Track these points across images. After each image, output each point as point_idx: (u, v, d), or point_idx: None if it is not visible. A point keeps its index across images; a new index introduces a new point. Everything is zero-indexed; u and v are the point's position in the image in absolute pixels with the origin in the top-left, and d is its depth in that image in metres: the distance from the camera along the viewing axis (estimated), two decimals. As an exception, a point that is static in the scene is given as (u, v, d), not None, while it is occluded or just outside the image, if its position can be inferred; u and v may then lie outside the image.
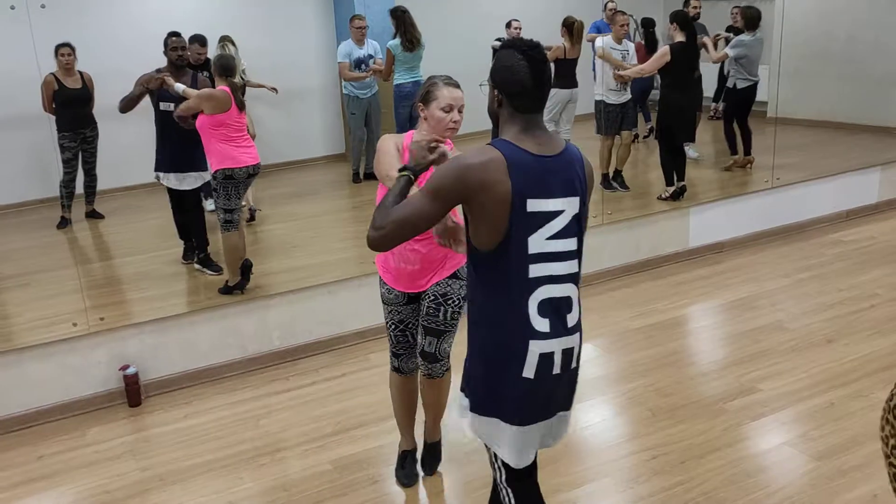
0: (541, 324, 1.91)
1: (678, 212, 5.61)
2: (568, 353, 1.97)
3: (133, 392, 3.82)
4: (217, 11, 7.19)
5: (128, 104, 4.78)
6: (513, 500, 2.09)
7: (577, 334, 2.00)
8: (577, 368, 2.05)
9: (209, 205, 5.79)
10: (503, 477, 2.09)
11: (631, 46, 6.25)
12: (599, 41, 6.28)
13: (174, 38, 4.73)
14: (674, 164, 5.91)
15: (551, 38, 6.82)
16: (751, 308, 4.65)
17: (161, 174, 4.98)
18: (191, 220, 5.06)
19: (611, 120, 6.21)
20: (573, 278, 1.98)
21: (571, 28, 6.26)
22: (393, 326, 2.94)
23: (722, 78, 7.81)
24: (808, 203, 6.02)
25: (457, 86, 2.64)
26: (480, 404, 2.01)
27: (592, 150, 6.50)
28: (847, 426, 3.33)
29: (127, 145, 6.46)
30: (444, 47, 6.66)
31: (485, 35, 7.28)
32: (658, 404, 3.62)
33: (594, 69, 7.55)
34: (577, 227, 1.97)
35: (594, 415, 3.57)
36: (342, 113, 7.41)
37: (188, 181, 4.96)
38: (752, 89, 6.63)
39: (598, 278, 5.17)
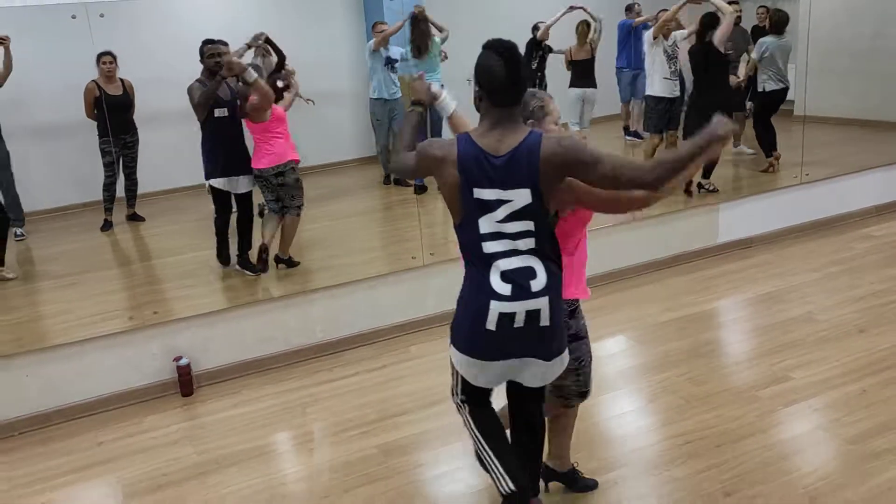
0: (503, 288, 2.24)
1: (707, 208, 5.69)
2: (533, 314, 2.27)
3: (186, 382, 4.00)
4: (251, 20, 7.40)
5: (206, 101, 4.70)
6: (468, 413, 2.52)
7: (545, 297, 2.26)
8: (550, 327, 2.30)
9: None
10: (458, 399, 2.53)
11: (680, 35, 6.20)
12: (648, 35, 6.32)
13: (209, 46, 4.77)
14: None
15: (573, 40, 7.01)
16: (780, 301, 4.73)
17: (218, 180, 4.91)
18: (247, 222, 5.10)
19: (658, 116, 6.24)
20: (534, 252, 2.26)
21: (576, 31, 6.73)
22: None
23: (751, 78, 7.86)
24: (837, 198, 6.07)
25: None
26: (454, 340, 2.40)
27: (616, 149, 6.61)
28: (879, 412, 3.41)
29: (166, 149, 6.68)
30: (471, 50, 6.81)
31: (512, 38, 7.42)
32: (691, 392, 3.71)
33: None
34: (528, 214, 2.22)
35: (627, 403, 3.68)
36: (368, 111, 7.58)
37: (244, 183, 5.00)
38: (782, 93, 6.63)
39: (628, 274, 5.27)
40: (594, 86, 7.08)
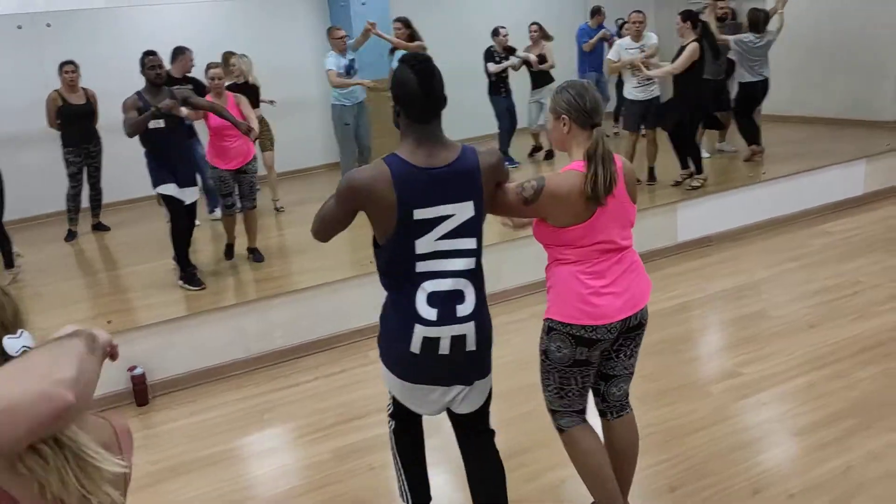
0: (428, 312, 2.16)
1: (666, 207, 5.76)
2: (459, 339, 2.20)
3: (140, 391, 3.98)
4: (216, 28, 7.40)
5: (136, 128, 4.72)
6: (393, 429, 2.51)
7: (471, 322, 2.20)
8: (478, 351, 2.25)
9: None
10: (390, 410, 2.50)
11: (652, 38, 6.25)
12: (616, 46, 6.41)
13: (151, 57, 4.75)
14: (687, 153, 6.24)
15: (566, 46, 7.16)
16: (737, 298, 4.80)
17: (168, 187, 4.92)
18: (190, 232, 5.13)
19: (633, 116, 6.40)
20: (467, 274, 2.19)
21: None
22: (580, 388, 2.48)
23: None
24: (795, 196, 6.17)
25: None
26: (382, 356, 2.34)
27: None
28: (825, 404, 3.47)
29: (131, 159, 6.63)
30: (441, 55, 6.84)
31: (473, 42, 7.49)
32: (644, 389, 3.75)
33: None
34: (470, 228, 2.17)
35: (584, 401, 3.71)
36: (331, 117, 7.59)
37: (191, 194, 5.04)
38: (757, 85, 6.73)
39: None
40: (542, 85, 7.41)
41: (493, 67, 7.33)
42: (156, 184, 4.95)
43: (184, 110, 4.85)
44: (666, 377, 3.85)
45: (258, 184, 5.85)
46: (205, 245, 5.98)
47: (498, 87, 7.42)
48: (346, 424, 3.65)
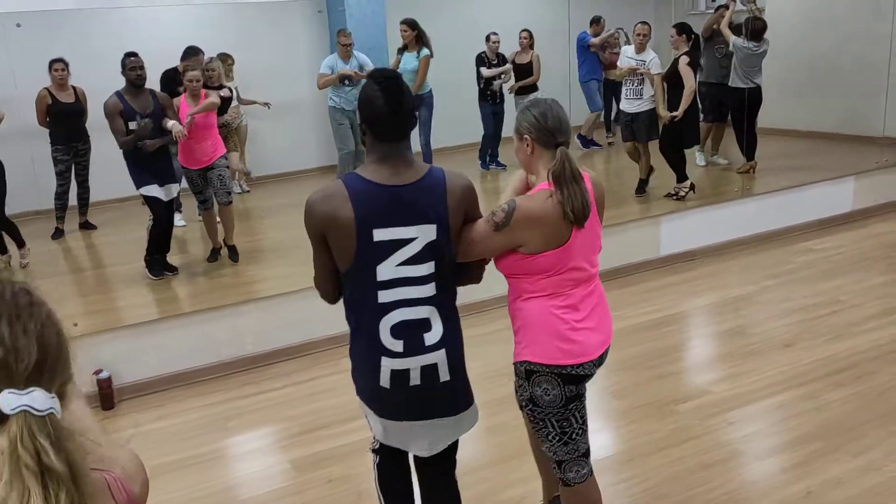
0: (394, 344, 2.07)
1: (650, 220, 5.73)
2: (430, 369, 2.09)
3: (106, 395, 3.97)
4: (211, 28, 7.40)
5: (129, 146, 4.89)
6: (377, 463, 2.38)
7: (441, 351, 2.10)
8: (452, 381, 2.14)
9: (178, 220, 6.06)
10: (374, 446, 2.38)
11: (652, 55, 6.18)
12: (622, 53, 6.44)
13: (131, 59, 4.80)
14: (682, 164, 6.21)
15: (558, 53, 7.14)
16: (716, 314, 4.77)
17: (151, 188, 5.01)
18: (170, 230, 5.24)
19: (623, 126, 6.44)
20: (432, 300, 2.09)
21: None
22: (581, 424, 2.32)
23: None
24: (781, 212, 6.13)
25: None
26: (358, 392, 2.24)
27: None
28: (792, 427, 3.44)
29: (119, 158, 6.64)
30: (437, 60, 6.82)
31: (465, 48, 7.48)
32: (611, 406, 3.73)
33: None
34: (433, 253, 2.06)
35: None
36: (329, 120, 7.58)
37: (173, 190, 5.16)
38: (745, 92, 6.68)
39: (570, 286, 5.28)
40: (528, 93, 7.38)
41: (486, 72, 7.30)
42: (139, 185, 5.04)
43: (171, 124, 4.90)
44: (634, 394, 3.81)
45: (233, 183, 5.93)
46: (189, 246, 5.98)
47: (485, 93, 7.40)
48: (311, 434, 3.62)
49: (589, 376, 2.27)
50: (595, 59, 7.93)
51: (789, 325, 4.51)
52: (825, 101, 8.07)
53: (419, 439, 2.20)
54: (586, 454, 2.36)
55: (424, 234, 2.03)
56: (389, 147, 2.05)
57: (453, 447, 2.33)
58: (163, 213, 5.09)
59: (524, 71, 7.44)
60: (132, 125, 4.82)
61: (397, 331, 2.06)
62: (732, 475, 3.12)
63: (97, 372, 3.98)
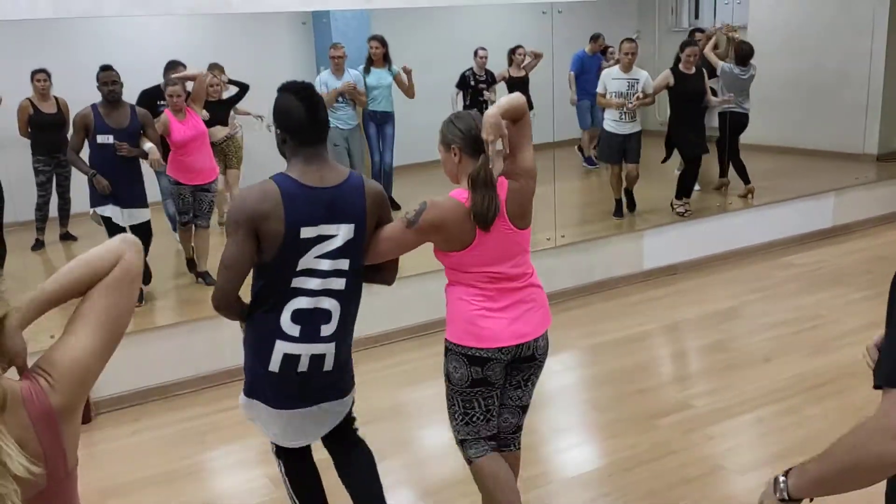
0: (291, 328, 2.21)
1: (632, 234, 5.75)
2: (318, 358, 2.26)
3: (84, 409, 3.90)
4: (196, 39, 7.37)
5: (72, 164, 4.90)
6: (283, 470, 2.48)
7: (332, 344, 2.27)
8: (335, 371, 2.31)
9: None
10: (274, 449, 2.47)
11: (643, 75, 6.08)
12: (603, 76, 6.24)
13: (104, 73, 4.66)
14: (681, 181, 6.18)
15: (543, 71, 7.06)
16: (696, 328, 4.77)
17: (106, 208, 4.83)
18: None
19: (612, 149, 6.21)
20: (338, 294, 2.26)
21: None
22: (484, 412, 2.48)
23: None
24: (763, 227, 6.17)
25: None
26: (246, 388, 2.36)
27: (567, 178, 6.68)
28: (771, 441, 3.44)
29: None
30: (420, 77, 6.81)
31: (453, 63, 7.48)
32: (592, 420, 3.72)
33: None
34: (349, 251, 2.24)
35: (529, 430, 3.65)
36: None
37: (139, 215, 4.91)
38: (736, 116, 6.70)
39: (552, 299, 5.17)
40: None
41: (455, 98, 7.10)
42: (93, 203, 4.84)
43: (148, 146, 4.78)
44: (615, 408, 3.80)
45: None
46: (168, 258, 5.93)
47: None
48: (288, 448, 3.58)
49: (494, 360, 2.38)
50: (591, 78, 7.81)
51: (770, 339, 4.52)
52: (805, 117, 8.15)
53: (311, 426, 2.35)
54: (489, 439, 2.51)
55: (344, 232, 2.23)
56: (311, 149, 2.23)
57: (349, 419, 2.51)
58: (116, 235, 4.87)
59: (518, 86, 7.34)
60: (101, 139, 4.66)
61: (298, 316, 2.21)
62: (713, 490, 3.11)
63: (73, 385, 3.92)
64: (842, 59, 7.86)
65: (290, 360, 2.22)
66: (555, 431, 3.67)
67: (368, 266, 2.36)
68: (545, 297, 2.51)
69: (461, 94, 7.15)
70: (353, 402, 2.50)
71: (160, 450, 3.64)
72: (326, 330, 2.25)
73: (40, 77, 6.42)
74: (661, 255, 5.73)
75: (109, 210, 4.78)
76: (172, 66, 6.07)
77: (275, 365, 2.22)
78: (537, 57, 6.98)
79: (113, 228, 4.80)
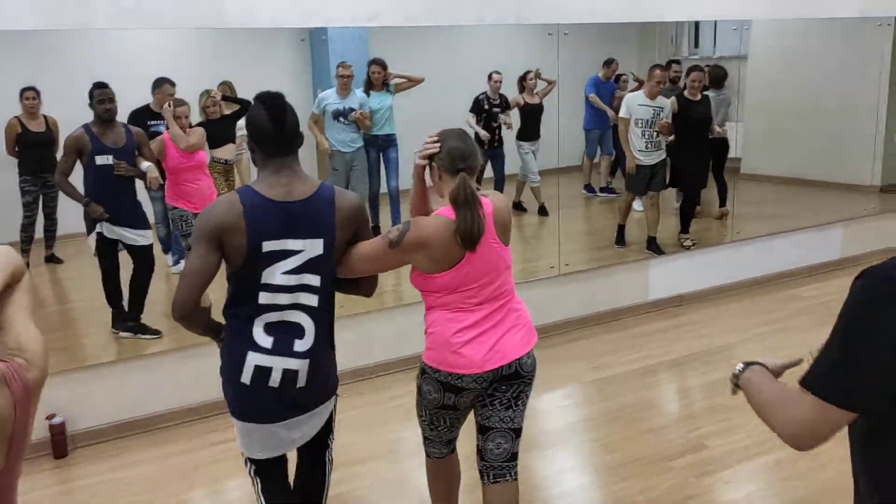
0: (264, 340, 2.16)
1: (637, 264, 5.58)
2: (290, 374, 2.18)
3: (59, 443, 3.67)
4: (188, 60, 7.22)
5: (63, 190, 4.64)
6: (260, 489, 2.40)
7: (305, 361, 2.19)
8: (307, 388, 2.22)
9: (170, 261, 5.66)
10: (250, 470, 2.39)
11: (667, 104, 5.83)
12: (626, 101, 5.95)
13: (100, 91, 4.44)
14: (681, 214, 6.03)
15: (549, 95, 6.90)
16: (705, 363, 4.58)
17: (105, 226, 4.57)
18: (146, 280, 4.69)
19: (639, 179, 5.87)
20: (309, 310, 2.20)
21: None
22: (449, 428, 2.56)
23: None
24: (770, 258, 6.01)
25: None
26: (228, 405, 2.30)
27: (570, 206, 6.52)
28: (794, 486, 3.24)
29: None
30: (422, 98, 6.66)
31: (466, 86, 7.31)
32: (602, 461, 3.51)
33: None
34: (318, 267, 2.18)
35: (534, 471, 3.45)
36: (317, 164, 7.34)
37: (141, 237, 4.69)
38: (716, 142, 6.49)
39: (555, 330, 5.09)
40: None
41: (471, 122, 6.91)
42: (90, 229, 4.61)
43: (146, 165, 4.53)
44: (624, 448, 3.59)
45: None
46: (154, 284, 5.72)
47: (482, 139, 7.12)
48: (278, 488, 3.35)
49: (469, 390, 2.37)
50: (606, 104, 7.62)
51: (783, 375, 4.32)
52: (809, 148, 8.05)
53: (283, 441, 2.30)
54: (450, 443, 2.59)
55: (311, 247, 2.17)
56: (279, 161, 2.18)
57: (326, 433, 2.43)
58: (111, 254, 4.57)
59: (533, 113, 7.13)
60: (100, 160, 4.44)
61: (270, 328, 2.17)
62: (732, 540, 2.90)
63: (50, 417, 3.69)
64: (845, 89, 7.78)
65: (262, 374, 2.16)
66: (560, 472, 3.46)
67: (344, 282, 2.33)
68: (528, 315, 2.48)
69: (475, 117, 6.94)
70: (333, 408, 2.42)
71: (142, 488, 3.40)
72: (300, 346, 2.18)
73: (29, 95, 6.25)
74: (666, 286, 5.55)
75: (105, 227, 4.52)
76: (160, 83, 5.89)
77: (246, 377, 2.16)
78: (550, 84, 6.81)
79: (103, 245, 4.54)
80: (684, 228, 6.01)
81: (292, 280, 2.15)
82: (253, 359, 2.15)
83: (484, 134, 6.76)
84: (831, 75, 7.93)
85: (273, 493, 2.38)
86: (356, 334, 4.30)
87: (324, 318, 2.24)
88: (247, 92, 7.00)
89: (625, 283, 5.44)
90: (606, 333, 5.12)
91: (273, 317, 2.16)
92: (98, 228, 4.52)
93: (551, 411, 4.07)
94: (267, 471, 2.36)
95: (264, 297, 2.15)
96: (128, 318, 4.56)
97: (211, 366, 4.06)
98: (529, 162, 6.90)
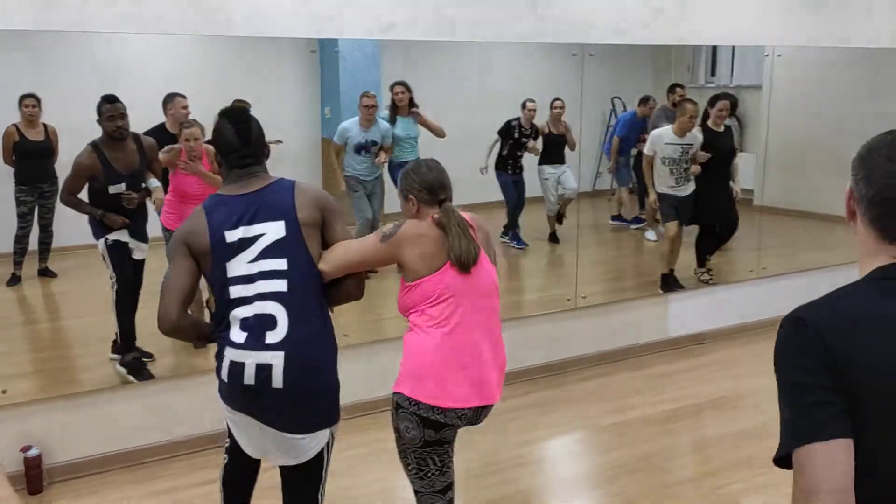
0: (238, 335, 2.16)
1: (658, 298, 5.30)
2: (264, 369, 2.12)
3: (34, 477, 3.39)
4: (193, 70, 7.02)
5: (74, 208, 4.26)
6: (226, 468, 2.50)
7: (280, 353, 2.12)
8: (286, 391, 2.13)
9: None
10: (226, 445, 2.44)
11: (698, 138, 5.55)
12: (653, 138, 5.62)
13: (110, 105, 4.05)
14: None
15: (568, 118, 6.64)
16: (732, 408, 4.28)
17: (116, 232, 4.25)
18: (135, 298, 4.35)
19: (669, 207, 5.54)
20: (279, 296, 2.17)
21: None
22: (439, 467, 2.41)
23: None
24: (794, 296, 5.65)
25: None
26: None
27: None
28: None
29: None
30: (454, 124, 6.42)
31: (484, 108, 7.05)
32: (624, 518, 3.20)
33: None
34: (284, 250, 2.19)
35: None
36: (322, 182, 7.10)
37: (143, 251, 4.41)
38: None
39: (569, 366, 4.80)
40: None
41: (493, 145, 6.65)
42: (98, 234, 4.27)
43: (154, 186, 4.23)
44: (649, 504, 3.29)
45: None
46: (147, 305, 5.45)
47: (506, 163, 6.81)
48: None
49: (449, 426, 2.31)
50: (633, 139, 7.34)
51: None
52: (825, 182, 7.79)
53: (252, 440, 2.28)
54: (443, 490, 2.42)
55: (272, 230, 2.20)
56: (242, 171, 2.27)
57: (312, 478, 2.33)
58: (126, 264, 4.28)
59: (557, 142, 6.86)
60: (114, 189, 4.07)
61: (245, 324, 2.17)
62: None
63: (25, 449, 3.41)
64: (861, 121, 7.55)
65: (236, 369, 2.14)
66: (580, 530, 3.15)
67: (331, 288, 2.29)
68: (505, 356, 2.43)
69: (500, 141, 6.64)
70: (325, 452, 2.31)
71: (118, 532, 3.12)
72: (272, 337, 2.13)
73: (29, 102, 6.02)
74: (687, 322, 5.27)
75: (125, 235, 4.20)
76: (171, 98, 5.62)
77: (224, 373, 2.18)
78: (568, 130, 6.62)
79: (119, 256, 4.21)
80: (700, 262, 5.74)
81: (258, 267, 2.17)
82: (229, 354, 2.17)
83: (485, 166, 6.53)
84: (846, 106, 7.71)
85: (236, 477, 2.47)
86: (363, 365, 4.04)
87: (299, 306, 2.17)
88: (253, 102, 6.76)
89: (644, 318, 5.16)
90: (625, 372, 4.83)
91: (246, 311, 2.16)
92: (114, 236, 4.18)
93: (563, 458, 3.78)
94: (239, 454, 2.38)
95: (234, 291, 2.17)
96: (125, 348, 4.16)
97: (201, 396, 3.80)
98: (550, 188, 6.67)
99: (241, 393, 2.16)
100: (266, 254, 2.17)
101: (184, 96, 5.42)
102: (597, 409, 4.28)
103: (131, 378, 4.02)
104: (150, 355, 4.22)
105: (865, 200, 1.28)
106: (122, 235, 4.27)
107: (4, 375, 3.82)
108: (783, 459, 1.27)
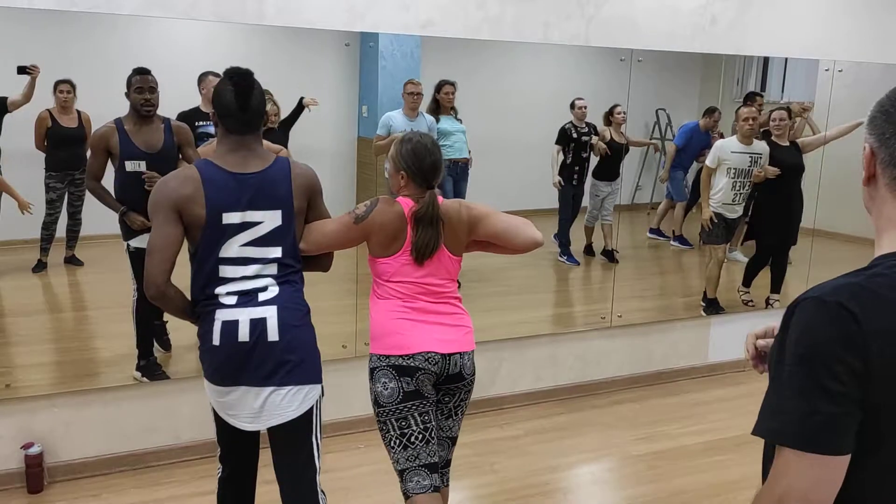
0: (229, 299, 2.17)
1: (698, 320, 5.02)
2: (258, 323, 2.16)
3: (34, 475, 3.25)
4: (230, 57, 6.90)
5: (95, 195, 4.08)
6: (219, 478, 2.48)
7: (273, 307, 2.17)
8: (281, 343, 2.16)
9: None
10: (219, 454, 2.46)
11: (766, 148, 5.30)
12: (716, 149, 5.37)
13: (139, 77, 3.85)
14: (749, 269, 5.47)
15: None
16: (776, 444, 3.98)
17: (142, 237, 3.89)
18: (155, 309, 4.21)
19: (719, 229, 5.27)
20: (274, 277, 2.21)
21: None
22: (421, 430, 2.37)
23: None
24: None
25: None
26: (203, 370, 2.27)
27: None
28: None
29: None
30: (478, 122, 6.24)
31: (528, 111, 6.81)
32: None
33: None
34: (278, 237, 2.21)
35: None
36: (356, 181, 6.96)
37: None
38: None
39: (603, 388, 4.55)
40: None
41: (556, 156, 6.34)
42: (127, 236, 4.09)
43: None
44: (685, 548, 3.03)
45: None
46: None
47: (571, 172, 6.48)
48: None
49: (423, 370, 2.33)
50: (692, 153, 7.04)
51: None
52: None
53: (245, 411, 2.22)
54: (430, 468, 2.36)
55: (270, 219, 2.21)
56: (238, 138, 2.22)
57: (304, 433, 2.27)
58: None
59: (616, 154, 6.54)
60: (130, 166, 3.89)
61: (234, 292, 2.19)
62: None
63: (26, 446, 3.28)
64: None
65: (229, 329, 2.14)
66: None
67: (306, 261, 2.34)
68: (471, 322, 2.48)
69: (561, 150, 6.33)
70: (315, 414, 2.28)
71: (115, 540, 2.96)
72: (264, 296, 2.18)
73: (63, 88, 5.95)
74: (729, 348, 4.98)
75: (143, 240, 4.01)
76: (205, 77, 5.49)
77: (216, 337, 2.15)
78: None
79: (142, 265, 4.05)
80: (746, 282, 5.43)
81: (252, 252, 2.18)
82: (220, 315, 2.15)
83: (557, 180, 6.18)
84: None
85: (232, 487, 2.43)
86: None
87: (286, 286, 2.22)
88: (288, 94, 6.61)
89: (683, 341, 4.88)
90: (660, 398, 4.56)
91: (237, 286, 2.17)
92: (136, 243, 3.93)
93: (588, 487, 3.53)
94: (236, 459, 2.39)
95: (225, 271, 2.17)
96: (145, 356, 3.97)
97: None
98: (597, 205, 6.36)
99: (234, 354, 2.14)
100: (262, 241, 2.19)
101: (218, 74, 5.25)
102: (629, 436, 4.02)
103: (145, 379, 3.86)
104: (163, 325, 4.05)
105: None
106: (144, 242, 4.09)
107: (14, 366, 3.71)
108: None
